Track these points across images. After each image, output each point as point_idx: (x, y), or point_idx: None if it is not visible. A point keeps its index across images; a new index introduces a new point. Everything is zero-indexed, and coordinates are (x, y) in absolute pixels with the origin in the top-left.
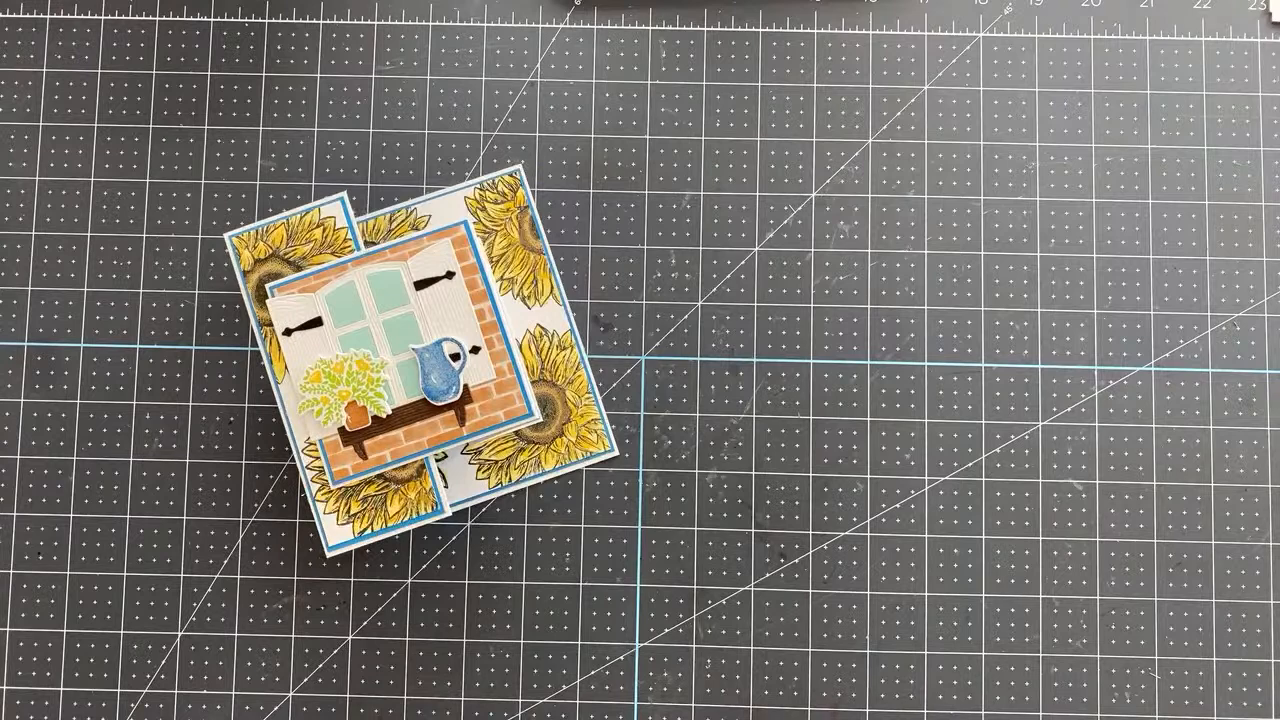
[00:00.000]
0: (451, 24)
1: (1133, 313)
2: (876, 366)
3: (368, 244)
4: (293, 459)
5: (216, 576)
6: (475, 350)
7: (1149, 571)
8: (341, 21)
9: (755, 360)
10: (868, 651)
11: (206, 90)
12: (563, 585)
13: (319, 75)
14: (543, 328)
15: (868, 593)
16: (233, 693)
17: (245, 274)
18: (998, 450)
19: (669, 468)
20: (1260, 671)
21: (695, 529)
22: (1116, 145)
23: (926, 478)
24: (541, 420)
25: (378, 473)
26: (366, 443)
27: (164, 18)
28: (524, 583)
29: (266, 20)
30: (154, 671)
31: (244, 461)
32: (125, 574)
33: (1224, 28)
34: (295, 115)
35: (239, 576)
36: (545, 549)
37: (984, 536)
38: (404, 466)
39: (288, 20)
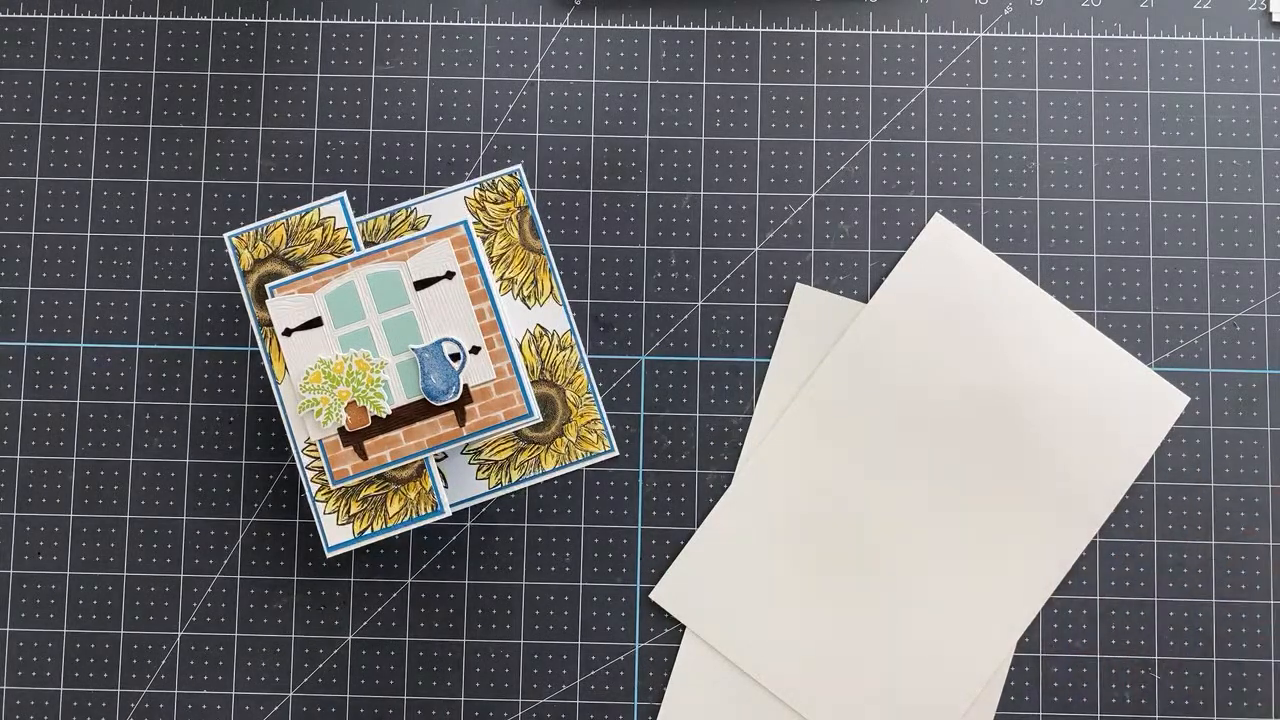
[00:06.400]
0: (451, 24)
1: (1133, 313)
2: None
3: (367, 244)
4: (293, 459)
5: (216, 576)
6: (475, 350)
7: (1149, 571)
8: (341, 21)
9: (755, 360)
10: None
11: (206, 90)
12: (563, 585)
13: (319, 75)
14: (543, 328)
15: None
16: (233, 693)
17: (245, 274)
18: None
19: (669, 468)
20: (1260, 671)
21: (694, 529)
22: (1116, 145)
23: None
24: (541, 420)
25: (378, 473)
26: (366, 443)
27: (164, 18)
28: (524, 583)
29: (266, 20)
30: (154, 671)
31: (244, 461)
32: (125, 574)
33: (1224, 28)
34: (295, 115)
35: (239, 576)
36: (545, 549)
37: None
38: (404, 467)
39: (288, 20)
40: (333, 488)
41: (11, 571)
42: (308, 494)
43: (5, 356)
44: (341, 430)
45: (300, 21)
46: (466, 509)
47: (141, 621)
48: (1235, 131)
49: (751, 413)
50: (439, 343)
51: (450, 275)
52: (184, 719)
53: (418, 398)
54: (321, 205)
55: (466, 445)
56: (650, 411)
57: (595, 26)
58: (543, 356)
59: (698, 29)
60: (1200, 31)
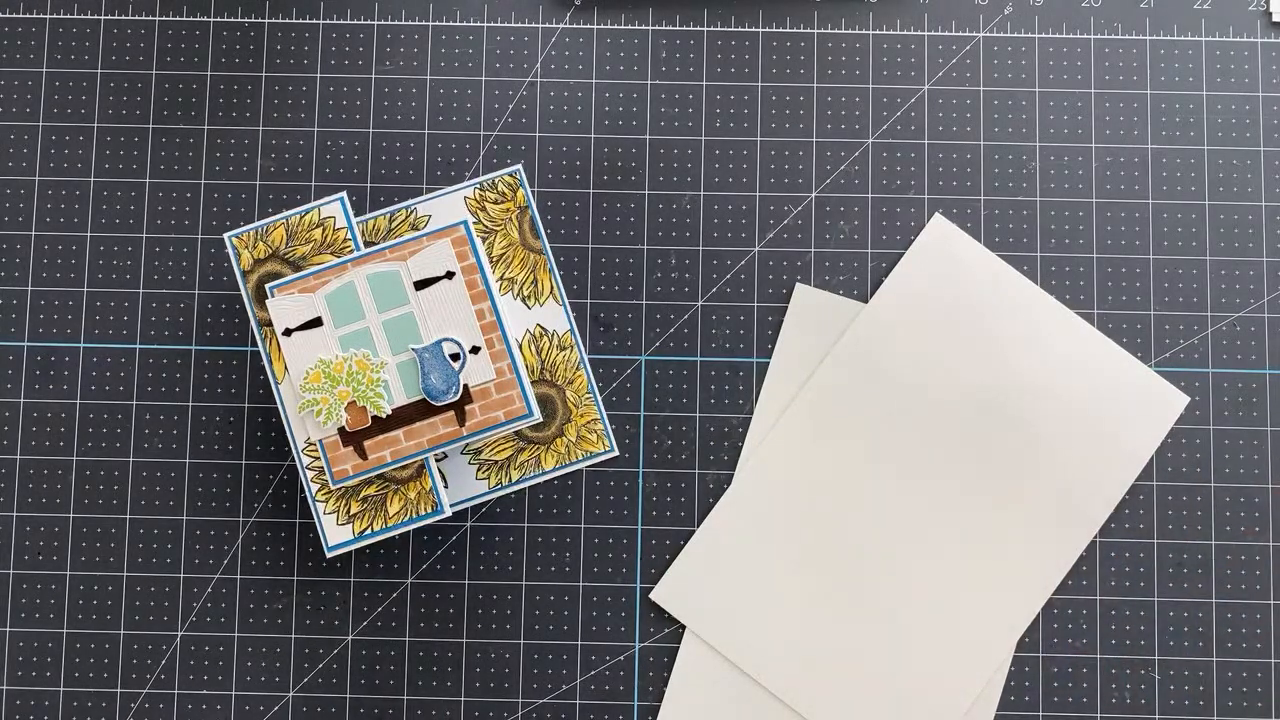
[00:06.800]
0: (451, 24)
1: (1133, 313)
2: None
3: (368, 244)
4: (293, 459)
5: (216, 576)
6: (475, 350)
7: (1149, 571)
8: (341, 21)
9: (755, 360)
10: None
11: (206, 90)
12: (563, 585)
13: (319, 75)
14: (543, 328)
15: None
16: (233, 693)
17: (245, 274)
18: None
19: (669, 468)
20: (1260, 671)
21: (694, 529)
22: (1116, 145)
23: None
24: (541, 420)
25: (378, 473)
26: (366, 443)
27: (164, 18)
28: (524, 583)
29: (266, 20)
30: (154, 671)
31: (244, 461)
32: (125, 574)
33: (1224, 28)
34: (295, 115)
35: (239, 576)
36: (545, 549)
37: None
38: (404, 466)
39: (288, 20)
40: (333, 488)
41: (11, 571)
42: (308, 494)
43: (5, 356)
44: (341, 430)
45: (300, 21)
46: (466, 509)
47: (141, 621)
48: (1235, 131)
49: (751, 413)
50: (439, 343)
51: (450, 275)
52: (184, 719)
53: (418, 398)
54: (321, 205)
55: (466, 445)
56: (650, 411)
57: (595, 26)
58: (543, 356)
59: (698, 29)
60: (1200, 31)
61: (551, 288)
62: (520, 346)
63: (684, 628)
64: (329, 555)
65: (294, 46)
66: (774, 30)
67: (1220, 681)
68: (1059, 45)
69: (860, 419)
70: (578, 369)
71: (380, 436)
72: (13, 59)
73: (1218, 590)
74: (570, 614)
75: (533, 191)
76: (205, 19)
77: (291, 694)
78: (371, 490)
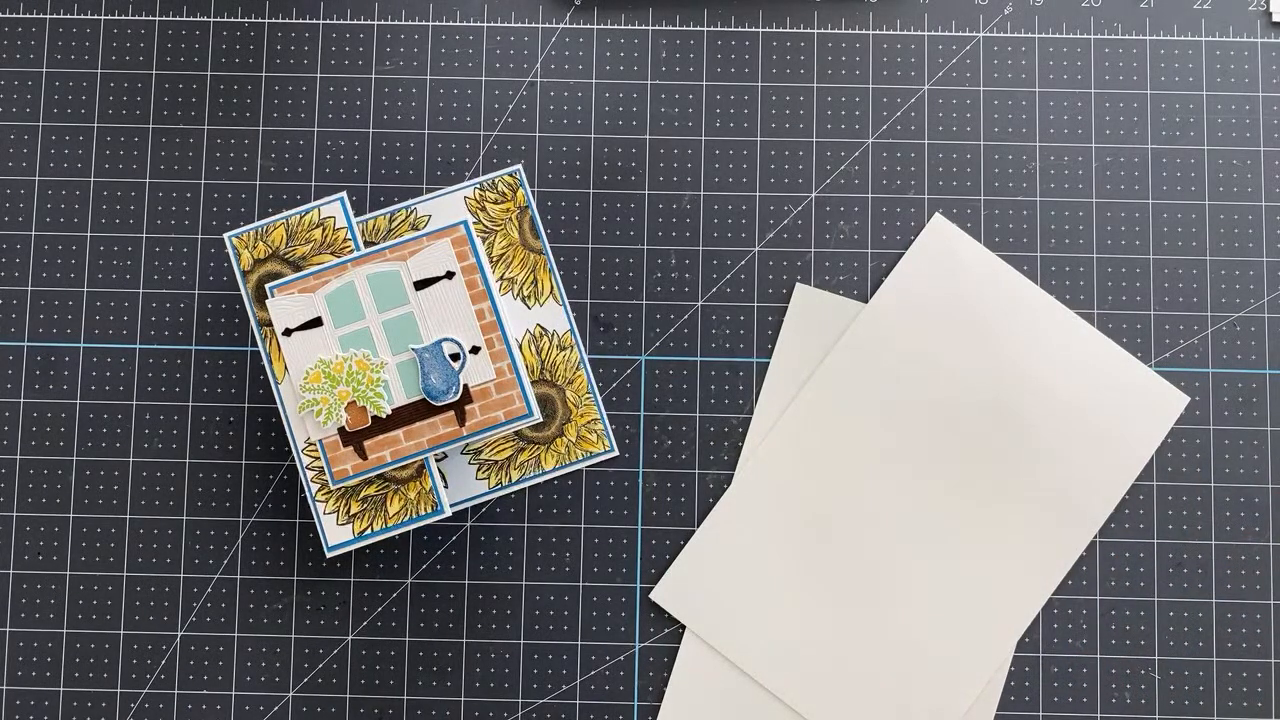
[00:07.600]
0: (451, 24)
1: (1133, 313)
2: None
3: (367, 244)
4: (293, 459)
5: (216, 576)
6: (475, 350)
7: (1149, 571)
8: (341, 21)
9: (755, 360)
10: None
11: (206, 90)
12: (563, 585)
13: (319, 75)
14: (543, 328)
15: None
16: (233, 693)
17: (245, 274)
18: None
19: (669, 468)
20: (1260, 671)
21: (694, 529)
22: (1116, 145)
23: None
24: (541, 420)
25: (378, 473)
26: (366, 443)
27: (164, 18)
28: (524, 583)
29: (266, 20)
30: (154, 671)
31: (244, 461)
32: (125, 574)
33: (1224, 28)
34: (295, 115)
35: (239, 576)
36: (545, 549)
37: None
38: (404, 466)
39: (288, 20)
40: (333, 488)
41: (11, 571)
42: (308, 494)
43: (5, 356)
44: (341, 430)
45: (300, 21)
46: (466, 509)
47: (141, 621)
48: (1235, 131)
49: (751, 413)
50: (439, 343)
51: (450, 275)
52: (184, 719)
53: (418, 398)
54: (321, 205)
55: (466, 445)
56: (650, 411)
57: (595, 26)
58: (543, 356)
59: (698, 29)
60: (1200, 31)
61: (551, 288)
62: (520, 346)
63: (684, 628)
64: (329, 555)
65: (294, 46)
66: (774, 30)
67: (1220, 681)
68: (1059, 45)
69: (860, 419)
70: (578, 369)
71: (380, 436)
72: (13, 59)
73: (1218, 590)
74: (570, 614)
75: (533, 191)
76: (205, 19)
77: (291, 694)
78: (371, 490)
